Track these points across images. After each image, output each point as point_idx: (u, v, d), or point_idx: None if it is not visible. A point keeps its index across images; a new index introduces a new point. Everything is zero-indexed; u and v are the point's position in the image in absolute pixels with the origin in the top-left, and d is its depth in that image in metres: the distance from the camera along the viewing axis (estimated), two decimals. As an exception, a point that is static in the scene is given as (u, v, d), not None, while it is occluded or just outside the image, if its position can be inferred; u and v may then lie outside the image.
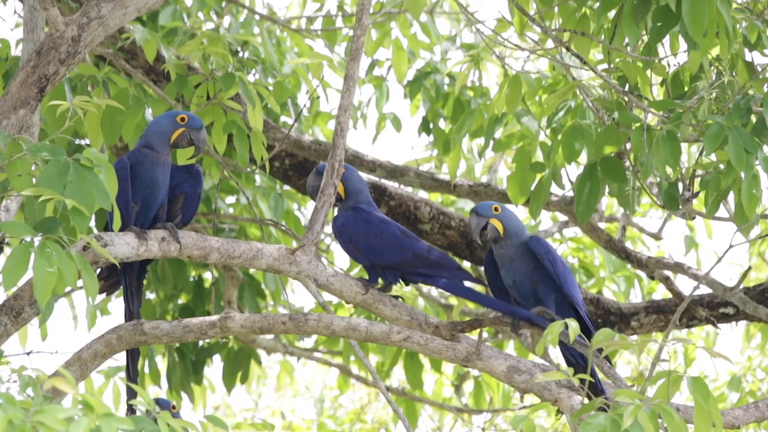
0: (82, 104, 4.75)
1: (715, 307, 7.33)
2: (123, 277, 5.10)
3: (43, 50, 5.02)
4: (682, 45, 5.55)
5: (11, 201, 5.27)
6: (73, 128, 4.90)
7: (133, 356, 5.09)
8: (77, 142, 7.39)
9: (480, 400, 9.08)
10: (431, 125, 8.35)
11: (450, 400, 10.05)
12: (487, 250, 5.01)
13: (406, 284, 5.14)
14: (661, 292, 9.05)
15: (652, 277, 7.44)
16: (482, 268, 8.56)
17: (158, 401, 5.01)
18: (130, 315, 5.08)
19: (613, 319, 7.60)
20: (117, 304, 8.83)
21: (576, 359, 5.03)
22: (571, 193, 7.10)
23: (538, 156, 6.45)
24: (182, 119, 4.97)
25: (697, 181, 5.60)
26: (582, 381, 4.65)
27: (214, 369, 10.87)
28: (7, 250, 5.08)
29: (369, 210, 5.15)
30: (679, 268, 7.23)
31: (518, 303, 5.01)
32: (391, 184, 7.67)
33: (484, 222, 4.93)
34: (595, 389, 4.88)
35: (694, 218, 5.79)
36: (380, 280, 5.08)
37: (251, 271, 8.25)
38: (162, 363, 8.53)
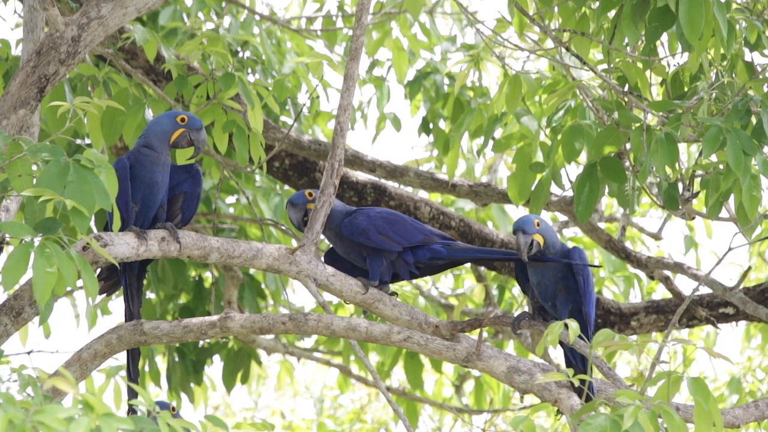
0: (82, 105, 4.75)
1: (715, 307, 7.33)
2: (123, 277, 5.10)
3: (43, 50, 5.02)
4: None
5: (11, 201, 5.27)
6: (73, 128, 4.90)
7: (133, 356, 5.09)
8: (77, 142, 7.38)
9: (480, 400, 9.08)
10: (431, 125, 8.35)
11: (450, 400, 10.05)
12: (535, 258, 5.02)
13: (418, 274, 5.18)
14: (660, 292, 9.05)
15: (651, 277, 7.44)
16: (482, 268, 8.60)
17: (157, 404, 5.01)
18: (130, 315, 5.08)
19: (613, 319, 7.60)
20: (118, 303, 8.84)
21: (576, 362, 5.04)
22: (571, 193, 7.09)
23: (538, 156, 6.45)
24: (182, 120, 4.97)
25: (697, 181, 5.60)
26: (582, 382, 4.65)
27: (214, 369, 10.88)
28: (8, 250, 5.07)
29: (361, 208, 5.23)
30: (679, 268, 7.23)
31: (538, 301, 5.04)
32: (391, 184, 7.67)
33: (530, 239, 4.94)
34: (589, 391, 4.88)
35: (693, 218, 5.79)
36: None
37: (251, 271, 8.25)
38: (162, 363, 8.53)
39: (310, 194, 5.17)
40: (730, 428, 4.92)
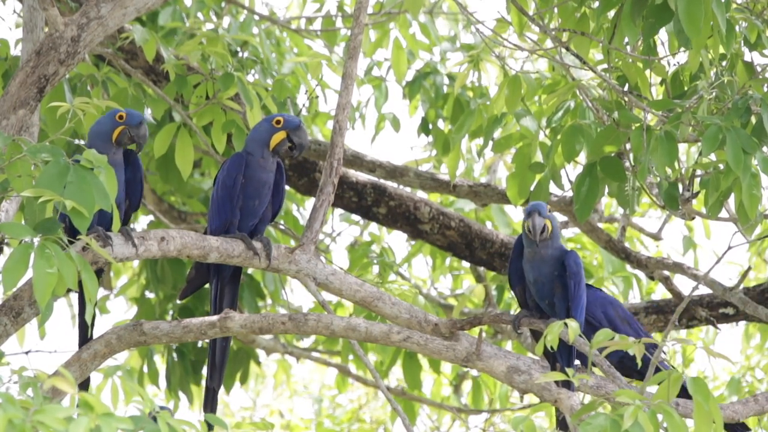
0: (82, 105, 4.76)
1: (715, 307, 7.33)
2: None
3: (42, 50, 5.02)
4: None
5: (10, 201, 5.27)
6: (72, 129, 4.90)
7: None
8: (77, 142, 7.38)
9: (478, 400, 9.07)
10: (430, 126, 8.35)
11: (448, 400, 10.04)
12: (540, 247, 4.98)
13: None
14: (660, 293, 9.05)
15: (651, 278, 7.44)
16: (481, 268, 8.59)
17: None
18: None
19: (613, 319, 7.59)
20: (116, 303, 8.83)
21: (562, 359, 5.02)
22: (571, 194, 7.09)
23: (538, 156, 6.45)
24: (121, 117, 4.93)
25: (697, 181, 5.59)
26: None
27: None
28: (7, 251, 5.07)
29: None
30: (678, 268, 7.23)
31: (533, 298, 5.02)
32: (390, 184, 7.66)
33: (544, 222, 4.92)
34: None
35: (693, 218, 5.79)
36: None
37: (250, 270, 8.25)
38: (161, 363, 8.53)
39: None
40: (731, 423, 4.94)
